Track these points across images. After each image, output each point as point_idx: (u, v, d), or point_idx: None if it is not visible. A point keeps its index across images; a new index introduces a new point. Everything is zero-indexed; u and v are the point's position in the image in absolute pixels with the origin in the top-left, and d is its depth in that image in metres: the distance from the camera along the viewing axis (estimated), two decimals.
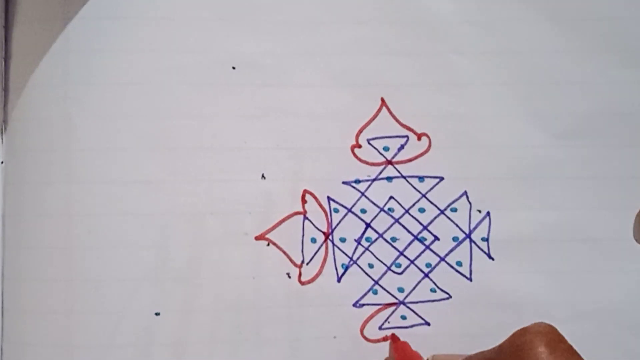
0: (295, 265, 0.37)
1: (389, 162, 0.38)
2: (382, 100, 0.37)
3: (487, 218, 0.37)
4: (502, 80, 0.38)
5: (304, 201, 0.37)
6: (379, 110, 0.37)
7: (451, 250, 0.37)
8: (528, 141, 0.37)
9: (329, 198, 0.37)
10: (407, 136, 0.38)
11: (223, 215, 0.37)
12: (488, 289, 0.37)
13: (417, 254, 0.37)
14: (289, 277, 0.37)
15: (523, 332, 0.28)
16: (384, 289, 0.37)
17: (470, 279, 0.37)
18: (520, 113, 0.38)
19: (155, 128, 0.36)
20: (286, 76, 0.37)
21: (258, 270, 0.37)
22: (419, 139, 0.38)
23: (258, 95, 0.37)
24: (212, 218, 0.36)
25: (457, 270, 0.37)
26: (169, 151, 0.36)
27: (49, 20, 0.37)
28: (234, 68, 0.37)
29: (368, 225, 0.37)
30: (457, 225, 0.37)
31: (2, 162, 0.37)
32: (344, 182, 0.37)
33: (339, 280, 0.37)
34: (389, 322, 0.37)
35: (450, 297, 0.37)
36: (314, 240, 0.37)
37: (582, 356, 0.28)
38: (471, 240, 0.37)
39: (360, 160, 0.37)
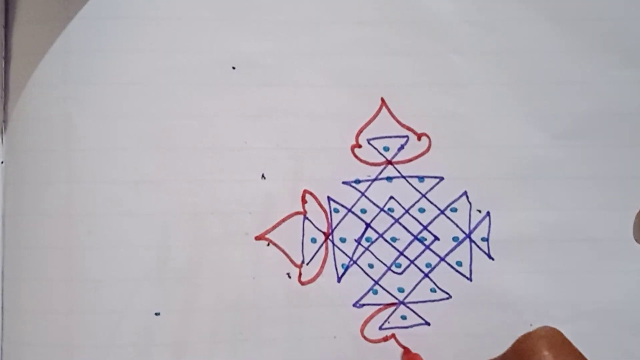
0: (296, 265, 0.37)
1: (389, 162, 0.37)
2: (382, 100, 0.37)
3: (487, 218, 0.37)
4: (502, 80, 0.38)
5: (304, 201, 0.37)
6: (379, 110, 0.37)
7: (451, 250, 0.37)
8: (528, 141, 0.37)
9: (329, 198, 0.37)
10: (407, 136, 0.38)
11: (223, 215, 0.37)
12: (488, 289, 0.37)
13: (417, 254, 0.37)
14: (289, 277, 0.37)
15: (526, 337, 0.28)
16: (384, 289, 0.37)
17: (470, 279, 0.37)
18: (520, 113, 0.38)
19: (156, 128, 0.36)
20: (286, 76, 0.37)
21: (258, 270, 0.37)
22: (419, 139, 0.38)
23: (258, 95, 0.37)
24: (212, 218, 0.36)
25: (457, 270, 0.37)
26: (169, 151, 0.36)
27: (49, 20, 0.37)
28: (234, 68, 0.37)
29: (368, 225, 0.37)
30: (457, 225, 0.37)
31: (2, 162, 0.37)
32: (344, 182, 0.37)
33: (339, 280, 0.37)
34: (389, 322, 0.37)
35: (450, 297, 0.37)
36: (314, 240, 0.37)
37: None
38: (471, 240, 0.37)
39: (360, 160, 0.37)
